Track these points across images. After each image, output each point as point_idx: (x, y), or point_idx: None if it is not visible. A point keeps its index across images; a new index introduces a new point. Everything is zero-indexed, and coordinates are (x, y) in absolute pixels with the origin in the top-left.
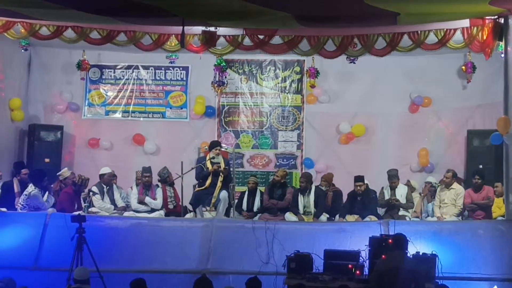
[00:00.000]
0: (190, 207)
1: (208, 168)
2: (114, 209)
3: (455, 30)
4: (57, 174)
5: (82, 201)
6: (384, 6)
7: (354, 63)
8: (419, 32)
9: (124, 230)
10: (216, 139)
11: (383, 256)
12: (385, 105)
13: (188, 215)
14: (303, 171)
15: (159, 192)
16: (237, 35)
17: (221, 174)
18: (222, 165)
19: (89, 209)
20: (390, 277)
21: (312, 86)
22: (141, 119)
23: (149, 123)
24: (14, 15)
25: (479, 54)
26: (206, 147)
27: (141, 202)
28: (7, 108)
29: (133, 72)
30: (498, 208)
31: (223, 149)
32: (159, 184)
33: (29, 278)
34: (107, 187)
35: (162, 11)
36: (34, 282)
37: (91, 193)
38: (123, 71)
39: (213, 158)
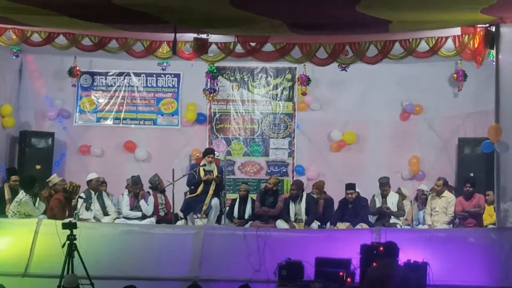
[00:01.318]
0: (181, 214)
1: (200, 175)
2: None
3: (446, 38)
4: (47, 180)
5: (72, 208)
6: (376, 14)
7: (346, 70)
8: (410, 40)
9: (116, 237)
10: (207, 146)
11: (374, 264)
12: (377, 113)
13: (179, 222)
14: (295, 178)
15: (150, 200)
16: (228, 42)
17: (213, 182)
18: (215, 173)
19: (80, 216)
20: (381, 285)
21: (304, 94)
22: (133, 126)
23: (140, 130)
24: (6, 21)
25: (471, 62)
26: (198, 154)
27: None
28: None
29: (124, 79)
30: (489, 216)
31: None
32: (150, 191)
33: (20, 285)
34: (96, 194)
35: (154, 18)
36: None
37: (79, 200)
38: (115, 78)
39: (205, 165)
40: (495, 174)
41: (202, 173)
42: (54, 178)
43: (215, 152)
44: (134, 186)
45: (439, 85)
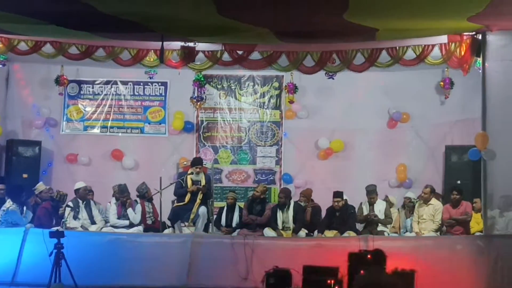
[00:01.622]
0: (168, 223)
1: (187, 184)
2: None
3: (433, 46)
4: (33, 188)
5: (60, 217)
6: (363, 22)
7: (333, 78)
8: (397, 48)
9: (103, 245)
10: (194, 154)
11: (362, 271)
12: (364, 121)
13: (166, 231)
14: (282, 186)
15: (137, 208)
16: (216, 50)
17: (200, 192)
18: (203, 182)
19: (67, 225)
20: None
21: (291, 102)
22: (120, 134)
23: (127, 138)
24: None
25: (457, 70)
26: (185, 162)
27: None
28: None
29: (111, 87)
30: (477, 223)
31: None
32: (138, 199)
33: None
34: (84, 202)
35: (141, 27)
36: None
37: (67, 208)
38: (102, 87)
39: (192, 173)
40: (482, 182)
41: (189, 182)
42: (40, 186)
43: (203, 162)
44: (121, 195)
45: (426, 93)
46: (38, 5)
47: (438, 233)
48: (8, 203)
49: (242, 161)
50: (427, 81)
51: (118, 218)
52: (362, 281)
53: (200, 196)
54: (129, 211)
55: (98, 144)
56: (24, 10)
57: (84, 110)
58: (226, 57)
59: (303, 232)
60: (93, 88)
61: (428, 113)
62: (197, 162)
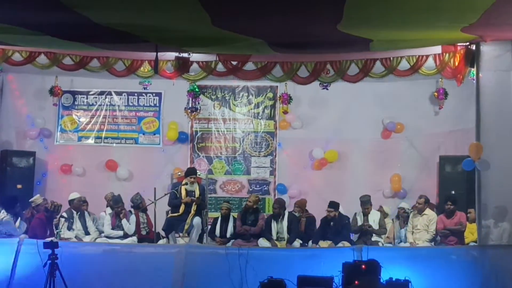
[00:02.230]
0: (163, 233)
1: (181, 194)
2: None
3: (427, 56)
4: (29, 200)
5: (54, 228)
6: (357, 33)
7: (327, 89)
8: (391, 58)
9: (97, 256)
10: (189, 165)
11: (356, 282)
12: (358, 131)
13: (161, 241)
14: (276, 197)
15: (132, 218)
16: (210, 61)
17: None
18: (197, 193)
19: (62, 235)
20: None
21: (285, 112)
22: (114, 145)
23: (122, 149)
24: None
25: (451, 81)
26: (179, 173)
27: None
28: None
29: (106, 98)
30: (471, 233)
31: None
32: (132, 210)
33: None
34: (78, 213)
35: (135, 37)
36: None
37: (61, 219)
38: (96, 97)
39: (186, 184)
40: (476, 192)
41: (183, 192)
42: (37, 199)
43: (197, 172)
44: (115, 205)
45: (420, 103)
46: (32, 15)
47: (432, 243)
48: (2, 214)
49: (236, 172)
50: (421, 92)
51: (112, 228)
52: None
53: (194, 207)
54: (124, 221)
55: (92, 155)
56: (19, 21)
57: (79, 121)
58: (220, 67)
59: (297, 243)
60: (87, 98)
61: (422, 123)
62: (191, 172)
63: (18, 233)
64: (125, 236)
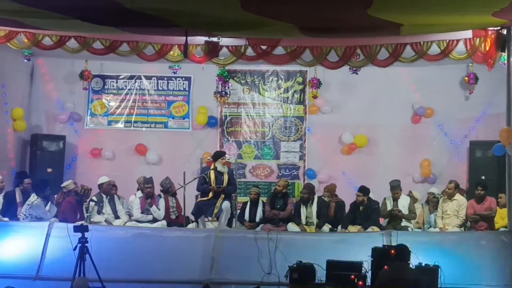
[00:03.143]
0: (192, 218)
1: (210, 179)
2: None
3: (457, 41)
4: (61, 185)
5: (84, 211)
6: (387, 17)
7: (357, 73)
8: (421, 43)
9: (127, 240)
10: (218, 149)
11: (385, 267)
12: (388, 116)
13: (190, 225)
14: (306, 181)
15: (161, 203)
16: (239, 45)
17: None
18: (226, 176)
19: (91, 219)
20: None
21: (315, 97)
22: (143, 129)
23: (151, 133)
24: (17, 25)
25: (482, 65)
26: (209, 157)
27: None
28: (9, 118)
29: (135, 82)
30: (501, 219)
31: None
32: (162, 194)
33: None
34: (108, 197)
35: (165, 22)
36: None
37: (91, 203)
38: (126, 81)
39: (216, 168)
40: (506, 177)
41: (212, 177)
42: (69, 184)
43: (226, 155)
44: (146, 185)
45: (450, 88)
46: (64, 0)
47: (462, 228)
48: (33, 197)
49: (265, 156)
50: (452, 76)
51: (142, 212)
52: (385, 276)
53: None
54: (153, 208)
55: (122, 139)
56: (49, 5)
57: (108, 105)
58: (250, 52)
59: (326, 227)
60: (117, 82)
61: (453, 108)
62: (220, 154)
63: (48, 217)
64: (155, 220)
